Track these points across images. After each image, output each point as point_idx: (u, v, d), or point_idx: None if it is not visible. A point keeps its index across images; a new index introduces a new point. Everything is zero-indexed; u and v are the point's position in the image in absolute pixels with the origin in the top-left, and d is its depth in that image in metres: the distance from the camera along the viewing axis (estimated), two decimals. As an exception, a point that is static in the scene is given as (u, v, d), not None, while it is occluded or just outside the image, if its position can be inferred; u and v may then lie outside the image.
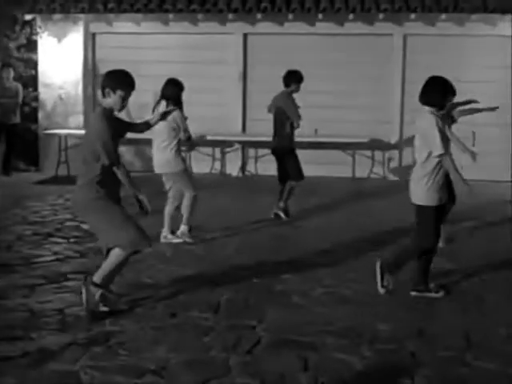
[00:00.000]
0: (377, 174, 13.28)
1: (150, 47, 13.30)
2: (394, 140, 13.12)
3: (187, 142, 7.64)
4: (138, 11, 12.74)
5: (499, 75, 12.68)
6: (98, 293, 5.10)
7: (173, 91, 7.50)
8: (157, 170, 7.67)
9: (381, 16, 12.51)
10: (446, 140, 5.49)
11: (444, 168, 5.52)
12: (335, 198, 10.71)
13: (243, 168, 13.53)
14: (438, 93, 5.60)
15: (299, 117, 8.74)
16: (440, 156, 5.43)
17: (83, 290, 5.12)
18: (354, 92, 12.96)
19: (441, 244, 7.36)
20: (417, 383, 4.07)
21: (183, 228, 7.62)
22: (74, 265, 6.61)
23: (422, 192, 5.58)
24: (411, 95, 12.87)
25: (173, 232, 7.66)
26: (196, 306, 5.38)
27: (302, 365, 4.31)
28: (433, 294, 5.72)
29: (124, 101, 5.05)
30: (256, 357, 4.43)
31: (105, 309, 5.12)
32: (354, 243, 7.68)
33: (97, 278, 5.11)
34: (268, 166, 12.35)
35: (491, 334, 4.91)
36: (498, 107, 7.22)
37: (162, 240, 7.58)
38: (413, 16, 12.50)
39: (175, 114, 7.20)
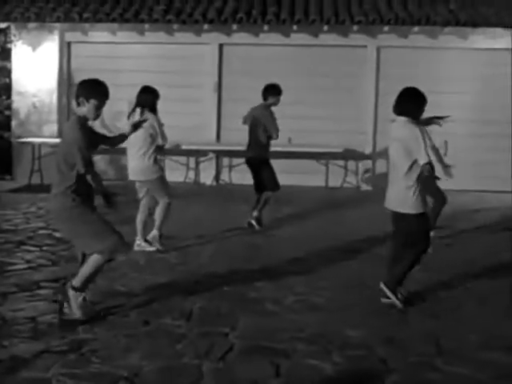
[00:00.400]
0: (350, 183, 13.40)
1: (125, 57, 13.33)
2: (367, 150, 13.25)
3: (160, 151, 7.68)
4: (113, 21, 12.76)
5: (471, 87, 12.91)
6: (79, 297, 5.10)
7: (147, 99, 7.53)
8: (131, 177, 7.68)
9: (355, 28, 12.67)
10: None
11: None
12: (308, 207, 10.78)
13: (217, 177, 13.58)
14: (412, 103, 5.67)
15: (277, 129, 8.81)
16: (426, 164, 5.50)
17: (60, 296, 5.13)
18: (328, 102, 13.08)
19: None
20: (387, 388, 4.14)
21: (154, 232, 7.64)
22: (47, 273, 6.59)
23: (410, 201, 5.59)
24: (385, 106, 13.07)
25: (146, 240, 7.67)
26: (169, 314, 5.39)
27: (274, 371, 4.34)
28: (395, 300, 5.72)
29: (98, 110, 5.07)
30: (228, 363, 4.46)
31: (80, 317, 5.12)
32: (326, 252, 7.74)
33: (76, 282, 5.13)
34: (242, 175, 12.42)
35: (462, 340, 4.98)
36: (448, 116, 7.23)
37: (136, 248, 7.57)
38: (386, 28, 12.68)
39: (151, 119, 7.24)
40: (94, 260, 5.06)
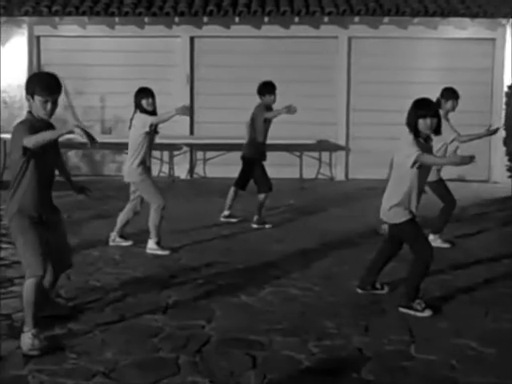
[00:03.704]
0: (324, 174, 13.46)
1: (96, 50, 13.20)
2: (340, 141, 13.32)
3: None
4: (83, 14, 12.65)
5: (442, 77, 12.99)
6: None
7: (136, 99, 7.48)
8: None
9: (326, 19, 12.71)
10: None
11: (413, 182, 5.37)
12: (283, 199, 10.80)
13: (191, 171, 13.56)
14: (409, 114, 5.41)
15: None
16: (413, 165, 5.21)
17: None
18: (301, 94, 13.07)
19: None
20: (363, 376, 4.18)
21: (151, 241, 7.34)
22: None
23: (391, 210, 5.42)
24: (357, 96, 13.18)
25: (122, 236, 7.63)
26: (145, 308, 5.39)
27: (251, 362, 4.37)
28: (419, 313, 5.37)
29: (46, 105, 4.48)
30: (205, 356, 4.47)
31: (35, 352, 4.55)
32: (302, 244, 7.78)
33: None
34: (216, 169, 12.47)
35: (434, 328, 5.05)
36: (498, 128, 7.56)
37: (111, 243, 7.56)
38: (357, 19, 12.73)
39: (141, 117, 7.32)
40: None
